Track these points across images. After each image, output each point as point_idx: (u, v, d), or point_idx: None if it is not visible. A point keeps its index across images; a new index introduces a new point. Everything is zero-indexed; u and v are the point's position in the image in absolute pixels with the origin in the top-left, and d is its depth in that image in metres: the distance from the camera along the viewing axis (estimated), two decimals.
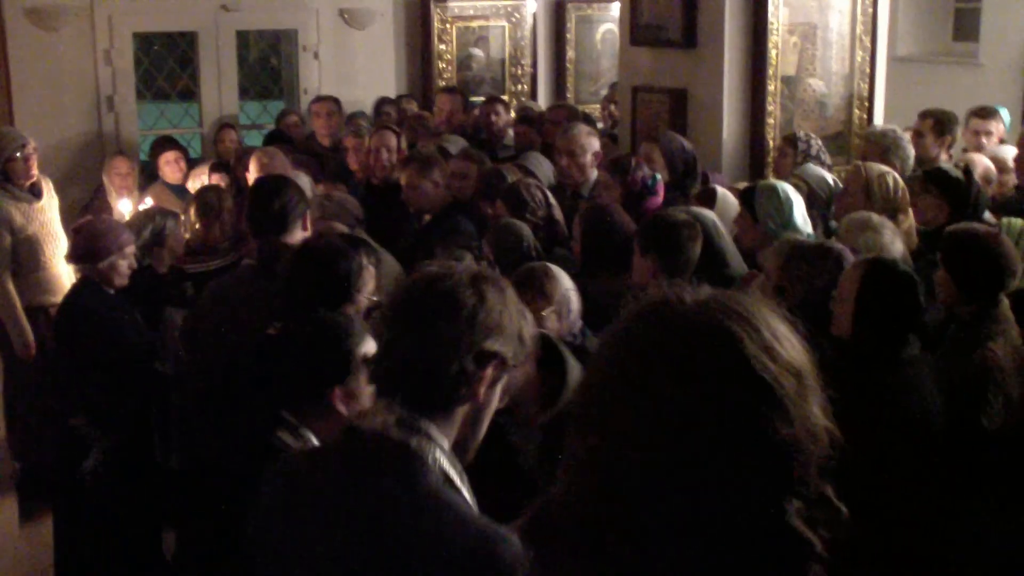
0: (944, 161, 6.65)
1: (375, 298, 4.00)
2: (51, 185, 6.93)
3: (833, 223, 5.70)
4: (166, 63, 11.12)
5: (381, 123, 8.25)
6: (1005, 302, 4.21)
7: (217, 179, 7.63)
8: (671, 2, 7.53)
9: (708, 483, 1.43)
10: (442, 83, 10.79)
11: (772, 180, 5.83)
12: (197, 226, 6.18)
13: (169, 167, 8.56)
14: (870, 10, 7.67)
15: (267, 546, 2.35)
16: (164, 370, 5.34)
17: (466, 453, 2.34)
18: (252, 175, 6.66)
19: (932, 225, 5.19)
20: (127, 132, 9.95)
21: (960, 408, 3.87)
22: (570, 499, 1.53)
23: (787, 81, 7.47)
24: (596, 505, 1.49)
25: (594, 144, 6.54)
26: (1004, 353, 4.03)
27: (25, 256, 6.58)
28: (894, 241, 4.80)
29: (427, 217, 6.13)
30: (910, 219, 5.47)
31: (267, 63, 12.35)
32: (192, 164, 8.93)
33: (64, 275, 6.52)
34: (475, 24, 11.01)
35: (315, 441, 3.06)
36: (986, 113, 7.50)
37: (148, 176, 8.86)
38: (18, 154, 6.59)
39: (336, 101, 9.32)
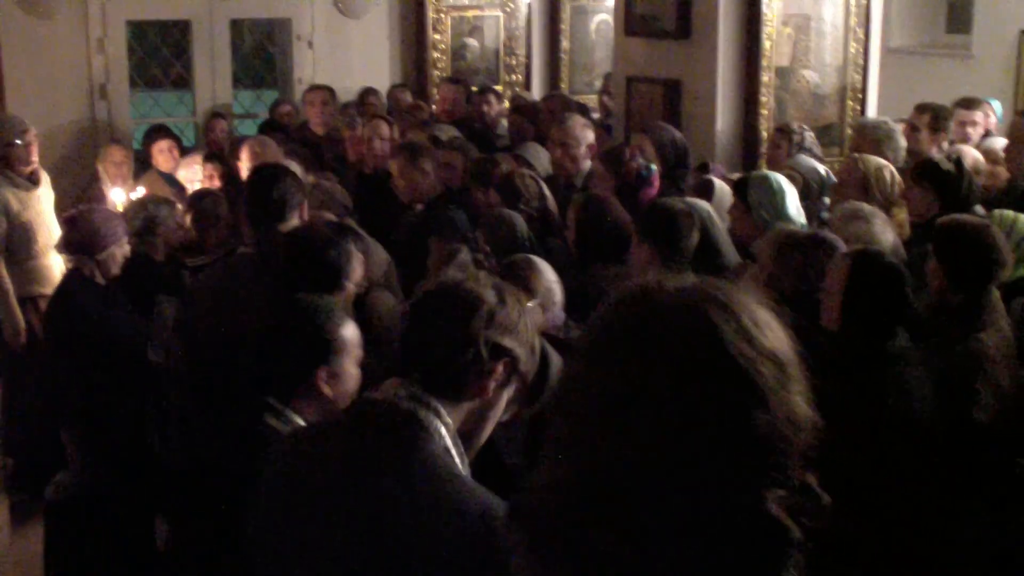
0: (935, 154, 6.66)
1: (363, 285, 4.03)
2: (48, 178, 6.92)
3: (826, 214, 5.71)
4: (160, 52, 11.11)
5: (370, 112, 8.26)
6: (995, 293, 4.23)
7: (210, 170, 7.61)
8: None
9: (685, 470, 1.44)
10: (436, 72, 10.78)
11: (765, 171, 5.85)
12: (193, 232, 6.16)
13: (162, 155, 8.55)
14: (864, 2, 7.69)
15: (270, 518, 2.39)
16: (156, 360, 5.32)
17: (469, 450, 2.40)
18: (245, 164, 6.66)
19: (924, 218, 5.20)
20: (120, 121, 9.93)
21: (950, 399, 3.88)
22: (551, 487, 1.53)
23: (781, 72, 7.48)
24: (576, 493, 1.49)
25: (588, 136, 6.56)
26: (994, 344, 4.05)
27: (17, 243, 6.54)
28: (884, 231, 4.81)
29: (419, 206, 6.14)
30: (903, 211, 5.49)
31: (261, 52, 12.31)
32: (185, 153, 8.93)
33: (55, 266, 6.48)
34: (470, 14, 10.99)
35: (302, 424, 3.07)
36: (971, 104, 7.51)
37: (141, 165, 8.85)
38: (19, 140, 6.56)
39: (330, 90, 9.30)
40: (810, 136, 6.89)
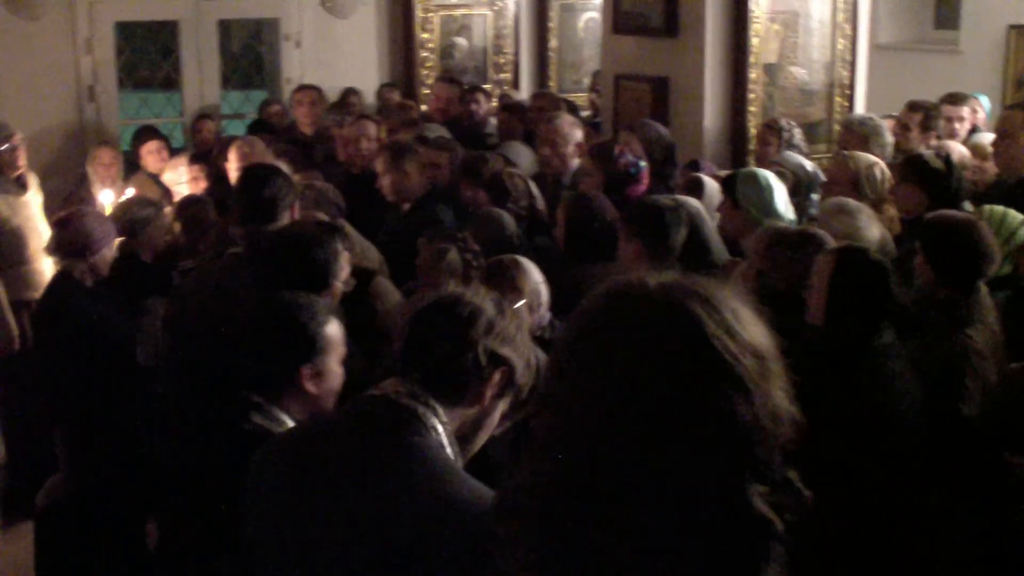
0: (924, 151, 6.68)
1: (351, 285, 4.04)
2: (37, 181, 6.89)
3: (814, 211, 5.72)
4: (148, 52, 11.08)
5: (355, 113, 8.25)
6: (983, 288, 4.23)
7: (195, 171, 7.58)
8: None
9: (670, 462, 1.44)
10: (424, 72, 10.78)
11: (753, 167, 5.85)
12: (182, 240, 6.15)
13: (151, 157, 8.53)
14: None
15: (271, 518, 2.41)
16: (145, 360, 5.31)
17: (461, 458, 2.43)
18: (233, 165, 6.65)
19: (913, 214, 5.21)
20: (108, 122, 9.90)
21: (938, 394, 3.89)
22: (535, 480, 1.54)
23: (768, 69, 7.50)
24: (561, 487, 1.50)
25: (576, 135, 6.57)
26: (982, 339, 4.06)
27: (8, 249, 6.51)
28: (870, 226, 4.82)
29: (406, 206, 6.13)
30: (893, 206, 5.50)
31: (249, 52, 12.29)
32: (174, 154, 8.91)
33: (47, 271, 6.46)
34: (458, 13, 10.98)
35: (288, 422, 3.08)
36: (957, 99, 7.53)
37: (130, 166, 8.83)
38: (5, 144, 6.53)
39: (318, 90, 9.29)
40: (798, 133, 6.91)
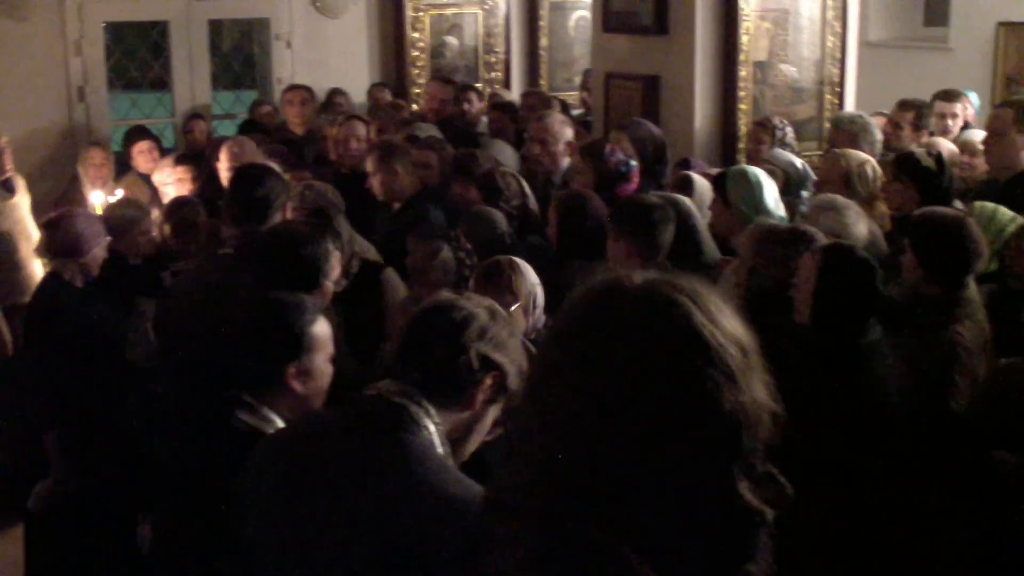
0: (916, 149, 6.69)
1: (342, 285, 4.03)
2: (23, 183, 6.86)
3: (805, 208, 5.73)
4: (138, 53, 11.05)
5: (343, 113, 8.25)
6: (972, 285, 4.24)
7: (182, 171, 7.56)
8: None
9: (663, 453, 1.45)
10: (415, 71, 10.78)
11: (744, 165, 5.86)
12: (172, 241, 6.14)
13: (142, 157, 8.51)
14: None
15: (270, 518, 2.42)
16: (137, 360, 5.30)
17: (454, 458, 2.47)
18: (223, 165, 6.64)
19: (903, 212, 5.22)
20: (99, 123, 9.88)
21: (927, 390, 3.90)
22: (526, 479, 1.55)
23: (759, 67, 7.50)
24: (553, 483, 1.51)
25: (567, 133, 6.57)
26: (971, 335, 4.06)
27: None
28: (857, 223, 4.82)
29: (396, 205, 6.13)
30: (884, 203, 5.51)
31: (240, 52, 12.27)
32: (165, 154, 8.88)
33: (38, 274, 6.43)
34: (448, 12, 10.98)
35: (277, 420, 3.08)
36: (951, 96, 7.55)
37: (121, 166, 8.81)
38: None
39: (309, 90, 9.29)
40: (791, 131, 6.92)
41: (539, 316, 4.21)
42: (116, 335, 5.28)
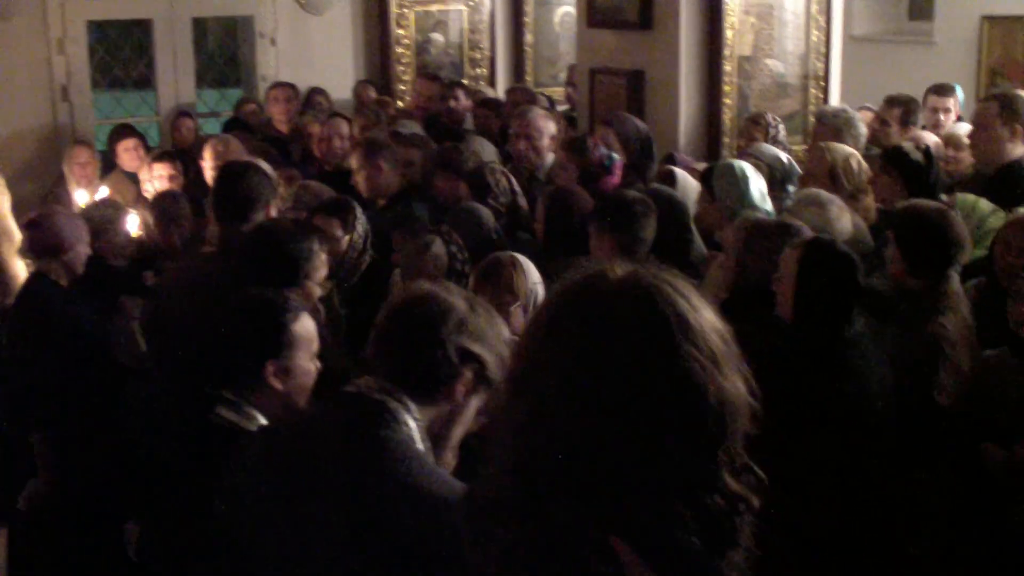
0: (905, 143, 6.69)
1: (328, 287, 4.01)
2: (2, 181, 6.80)
3: (790, 202, 5.73)
4: (121, 51, 11.01)
5: (326, 111, 8.25)
6: (955, 277, 4.25)
7: (161, 168, 7.53)
8: None
9: (647, 440, 1.46)
10: (400, 68, 10.77)
11: (730, 159, 5.86)
12: (157, 235, 6.11)
13: (128, 155, 8.47)
14: None
15: (254, 517, 2.42)
16: (122, 361, 5.28)
17: (438, 451, 2.48)
18: (208, 164, 6.63)
19: (889, 205, 5.23)
20: (83, 122, 9.83)
21: (912, 383, 3.90)
22: (507, 469, 1.54)
23: (743, 61, 7.51)
24: (533, 472, 1.51)
25: (550, 127, 6.58)
26: (954, 328, 4.07)
27: None
28: (840, 217, 4.83)
29: (381, 202, 6.12)
30: (870, 197, 5.52)
31: (224, 50, 12.24)
32: (150, 152, 8.84)
33: (22, 275, 6.38)
34: (433, 8, 10.97)
35: (259, 418, 3.07)
36: (943, 91, 7.56)
37: (107, 166, 8.77)
38: None
39: (293, 87, 9.28)
40: (783, 128, 6.93)
41: None
42: (102, 335, 5.26)
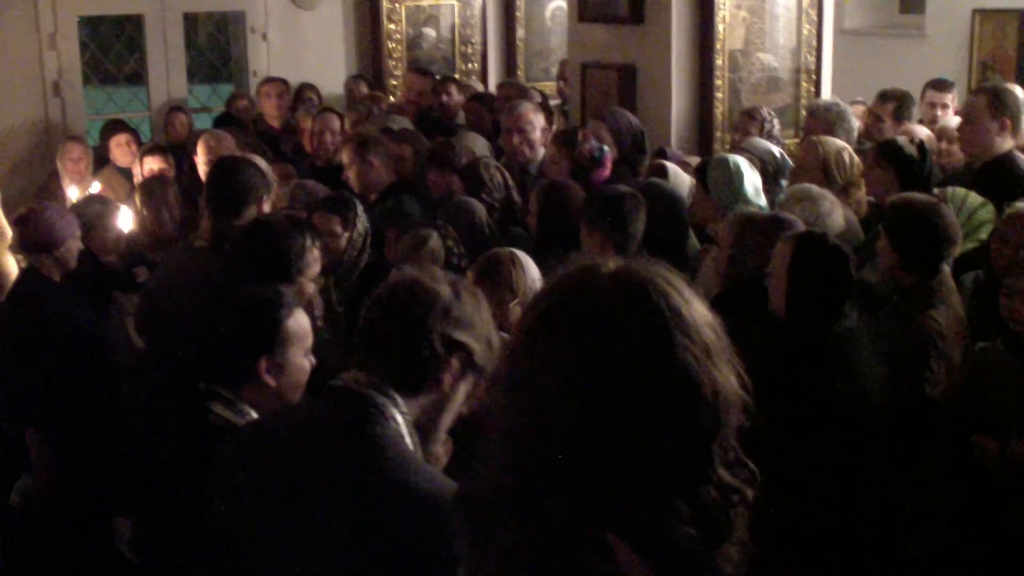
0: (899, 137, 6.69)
1: (321, 282, 4.00)
2: None
3: (783, 197, 5.74)
4: (113, 47, 10.99)
5: (316, 107, 8.25)
6: (946, 270, 4.26)
7: (152, 160, 7.52)
8: None
9: (645, 434, 1.46)
10: (392, 63, 10.77)
11: (724, 154, 5.87)
12: (145, 214, 6.12)
13: (120, 150, 8.44)
14: None
15: (235, 508, 2.42)
16: (116, 357, 5.28)
17: (428, 440, 2.46)
18: (201, 159, 6.62)
19: (882, 198, 5.24)
20: (74, 118, 9.81)
21: (903, 376, 3.91)
22: (501, 466, 1.55)
23: (735, 55, 7.51)
24: (529, 469, 1.51)
25: (541, 120, 6.58)
26: (945, 321, 4.08)
27: None
28: (832, 212, 4.83)
29: (372, 197, 6.12)
30: (861, 190, 5.52)
31: (215, 46, 12.22)
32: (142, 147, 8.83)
33: (14, 272, 6.37)
34: (424, 3, 10.97)
35: (253, 414, 3.07)
36: (943, 86, 7.56)
37: (100, 161, 8.75)
38: None
39: (285, 82, 9.27)
40: (777, 123, 6.94)
41: None
42: (96, 331, 5.25)
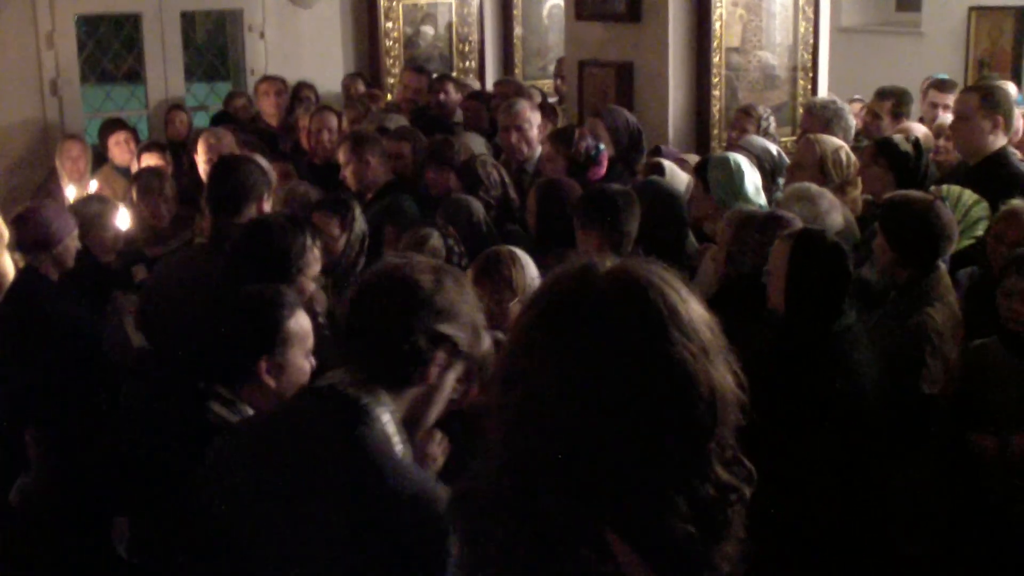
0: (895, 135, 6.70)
1: (322, 282, 4.00)
2: None
3: (780, 195, 5.75)
4: (111, 45, 10.98)
5: (312, 105, 8.25)
6: (943, 268, 4.27)
7: (149, 158, 7.52)
8: None
9: (643, 432, 1.47)
10: (390, 61, 10.76)
11: (725, 152, 5.88)
12: (142, 207, 6.12)
13: (118, 148, 8.43)
14: None
15: (225, 509, 2.42)
16: (112, 356, 5.28)
17: (417, 431, 2.45)
18: (201, 157, 6.62)
19: (878, 196, 5.25)
20: (72, 116, 9.80)
21: (899, 374, 3.92)
22: (499, 464, 1.55)
23: (732, 53, 7.52)
24: (527, 467, 1.51)
25: (538, 118, 6.60)
26: (942, 318, 4.09)
27: None
28: (830, 211, 4.84)
29: (369, 195, 6.13)
30: (858, 189, 5.54)
31: (213, 44, 12.22)
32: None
33: (11, 271, 6.37)
34: (422, 1, 10.96)
35: (251, 414, 3.07)
36: (945, 86, 7.54)
37: (98, 159, 8.74)
38: None
39: (283, 81, 9.26)
40: (774, 121, 6.94)
41: None
42: (94, 330, 5.25)
